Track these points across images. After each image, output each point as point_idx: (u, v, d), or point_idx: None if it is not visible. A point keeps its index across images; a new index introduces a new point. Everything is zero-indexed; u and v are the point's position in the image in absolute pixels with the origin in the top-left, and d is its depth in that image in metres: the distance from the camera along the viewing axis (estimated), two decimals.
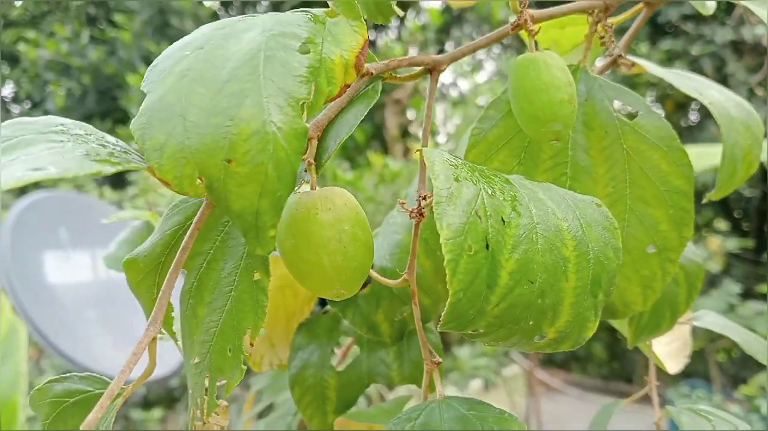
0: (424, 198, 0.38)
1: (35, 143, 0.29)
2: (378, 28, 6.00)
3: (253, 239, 0.30)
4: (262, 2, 6.03)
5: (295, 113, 0.29)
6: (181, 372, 1.79)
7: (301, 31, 0.32)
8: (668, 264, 0.46)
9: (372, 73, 0.39)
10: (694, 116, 4.82)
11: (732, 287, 3.73)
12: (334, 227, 0.34)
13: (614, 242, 0.36)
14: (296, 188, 0.36)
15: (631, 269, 0.46)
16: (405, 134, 4.47)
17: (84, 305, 2.34)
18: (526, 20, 0.42)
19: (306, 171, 0.37)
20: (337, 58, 0.32)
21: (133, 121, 0.30)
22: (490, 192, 0.33)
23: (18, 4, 5.40)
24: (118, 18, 5.09)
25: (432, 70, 0.43)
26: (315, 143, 0.37)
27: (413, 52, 4.68)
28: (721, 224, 4.90)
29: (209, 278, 0.36)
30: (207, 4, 5.49)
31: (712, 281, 4.02)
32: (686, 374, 3.67)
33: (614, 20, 0.55)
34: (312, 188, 0.36)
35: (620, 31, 0.59)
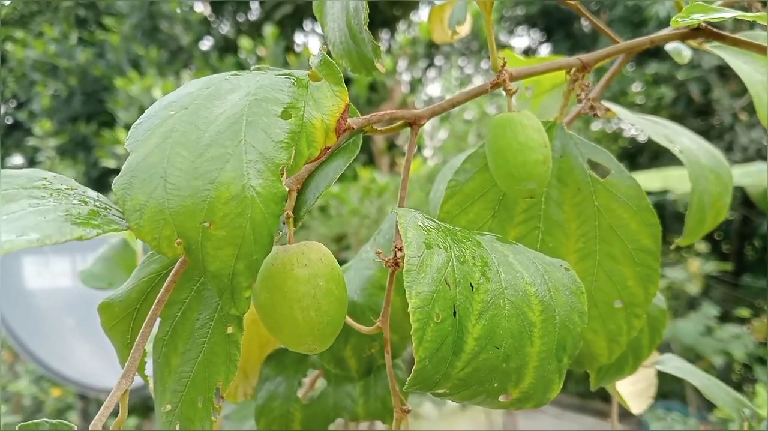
0: (400, 249, 0.39)
1: (17, 198, 0.30)
2: None
3: (228, 299, 0.31)
4: (253, 9, 6.04)
5: (274, 177, 0.30)
6: None
7: (283, 96, 0.33)
8: (634, 319, 0.47)
9: (353, 128, 0.40)
10: None
11: (710, 310, 3.76)
12: (309, 282, 0.35)
13: (580, 307, 0.37)
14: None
15: (598, 322, 0.47)
16: (392, 146, 4.49)
17: (63, 311, 2.32)
18: (504, 79, 0.44)
19: (284, 223, 0.38)
20: (318, 122, 0.33)
21: (115, 180, 0.31)
22: (460, 257, 0.34)
23: (6, 3, 5.36)
24: (107, 21, 5.07)
25: (412, 124, 0.44)
26: (294, 195, 0.38)
27: (403, 64, 4.71)
28: (701, 246, 4.95)
29: (184, 328, 0.36)
30: (198, 9, 5.49)
31: (691, 304, 4.06)
32: (662, 395, 3.70)
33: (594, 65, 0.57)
34: (289, 242, 0.37)
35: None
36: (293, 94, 0.33)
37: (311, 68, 0.36)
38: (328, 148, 0.34)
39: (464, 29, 0.70)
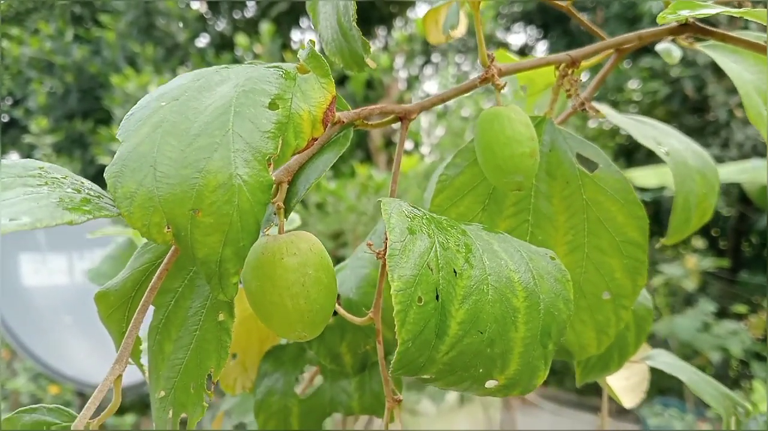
0: None
1: (12, 186, 0.30)
2: (366, 36, 6.01)
3: (216, 285, 0.31)
4: (249, 7, 6.03)
5: (261, 166, 0.31)
6: None
7: (271, 87, 0.33)
8: (622, 311, 0.48)
9: (343, 122, 0.40)
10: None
11: (707, 306, 3.77)
12: (298, 271, 0.35)
13: (565, 294, 0.38)
14: (265, 230, 0.38)
15: (587, 313, 0.48)
16: (389, 143, 4.50)
17: (60, 308, 2.32)
18: (493, 74, 0.44)
19: (275, 214, 0.38)
20: (305, 113, 0.34)
21: (106, 168, 0.31)
22: (444, 244, 0.34)
23: (2, 0, 5.36)
24: (103, 18, 5.06)
25: (402, 119, 0.45)
26: (285, 187, 0.39)
27: (400, 61, 4.71)
28: (699, 242, 4.96)
29: (177, 316, 0.37)
30: (194, 6, 5.48)
31: (688, 300, 4.07)
32: (660, 391, 3.71)
33: (586, 63, 0.57)
34: (280, 232, 0.37)
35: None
36: (281, 85, 0.34)
37: (299, 61, 0.37)
38: (315, 139, 0.35)
39: (459, 32, 0.71)
